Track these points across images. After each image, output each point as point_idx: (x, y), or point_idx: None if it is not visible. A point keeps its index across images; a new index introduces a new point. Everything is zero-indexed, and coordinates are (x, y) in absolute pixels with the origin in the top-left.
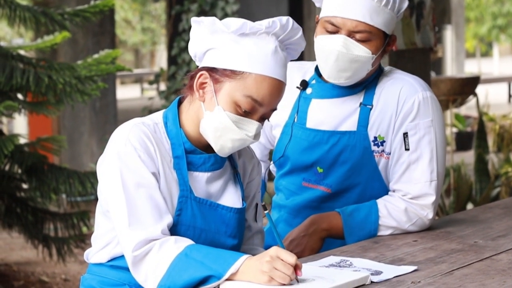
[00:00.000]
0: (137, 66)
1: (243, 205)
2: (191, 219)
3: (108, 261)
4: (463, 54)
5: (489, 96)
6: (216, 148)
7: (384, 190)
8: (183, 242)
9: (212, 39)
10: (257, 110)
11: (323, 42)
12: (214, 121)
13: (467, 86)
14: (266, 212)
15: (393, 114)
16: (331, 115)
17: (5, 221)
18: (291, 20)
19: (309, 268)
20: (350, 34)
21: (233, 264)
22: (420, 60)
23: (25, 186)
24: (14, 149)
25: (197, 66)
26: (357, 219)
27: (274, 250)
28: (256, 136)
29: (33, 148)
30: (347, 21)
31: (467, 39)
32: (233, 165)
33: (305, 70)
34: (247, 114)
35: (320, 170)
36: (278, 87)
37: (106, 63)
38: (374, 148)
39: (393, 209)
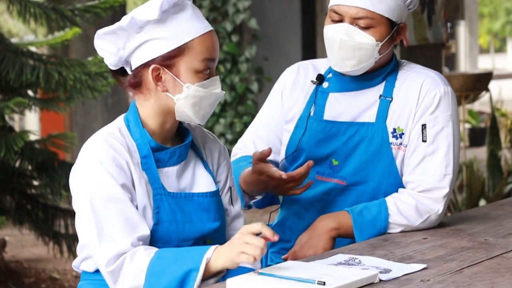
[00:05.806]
0: None
1: (216, 187)
2: (171, 215)
3: (95, 271)
4: (476, 50)
5: (503, 92)
6: (198, 120)
7: (399, 186)
8: (152, 249)
9: (139, 36)
10: (212, 66)
11: (328, 31)
12: (190, 98)
13: (479, 82)
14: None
15: (413, 106)
16: (350, 107)
17: (15, 218)
18: None
19: (317, 266)
20: (353, 21)
21: (205, 252)
22: (432, 56)
23: (35, 183)
24: (24, 146)
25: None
26: (367, 217)
27: (243, 228)
28: (222, 88)
29: (44, 145)
30: (350, 9)
31: (481, 35)
32: (198, 154)
33: (319, 67)
34: (209, 75)
35: (336, 163)
36: (214, 37)
37: None
38: (392, 140)
39: (403, 206)
